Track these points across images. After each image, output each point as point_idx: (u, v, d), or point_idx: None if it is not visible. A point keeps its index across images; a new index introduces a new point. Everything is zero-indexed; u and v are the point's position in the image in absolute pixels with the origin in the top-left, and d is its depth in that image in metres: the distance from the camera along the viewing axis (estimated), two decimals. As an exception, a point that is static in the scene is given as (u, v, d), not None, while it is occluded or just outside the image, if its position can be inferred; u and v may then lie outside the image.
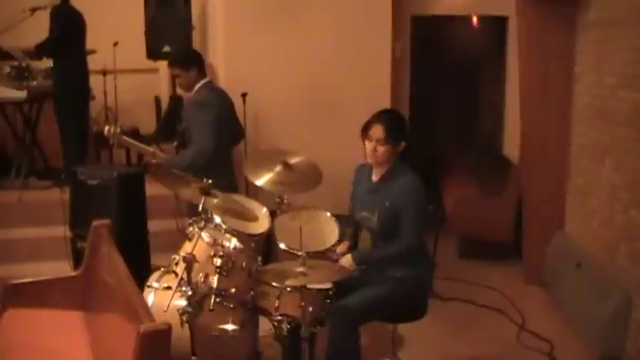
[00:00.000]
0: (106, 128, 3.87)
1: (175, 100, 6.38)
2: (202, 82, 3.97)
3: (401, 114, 3.41)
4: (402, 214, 3.05)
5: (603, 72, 4.17)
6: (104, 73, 6.56)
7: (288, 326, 3.05)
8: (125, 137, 3.94)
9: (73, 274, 3.61)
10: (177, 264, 3.16)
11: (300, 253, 2.77)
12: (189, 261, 2.61)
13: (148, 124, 6.52)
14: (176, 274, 3.13)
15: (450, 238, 5.48)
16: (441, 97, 6.75)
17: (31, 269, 4.30)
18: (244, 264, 3.03)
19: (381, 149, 3.09)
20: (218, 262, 2.89)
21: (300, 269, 2.72)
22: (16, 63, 5.79)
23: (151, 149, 4.06)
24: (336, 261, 3.15)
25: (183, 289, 2.66)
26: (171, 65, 4.11)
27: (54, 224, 4.97)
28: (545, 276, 4.83)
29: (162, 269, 3.36)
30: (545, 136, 4.80)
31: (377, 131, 3.10)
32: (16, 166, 5.51)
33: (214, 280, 2.89)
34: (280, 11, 5.10)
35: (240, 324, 3.12)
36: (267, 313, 3.06)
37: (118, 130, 3.85)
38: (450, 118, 7.00)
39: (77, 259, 4.39)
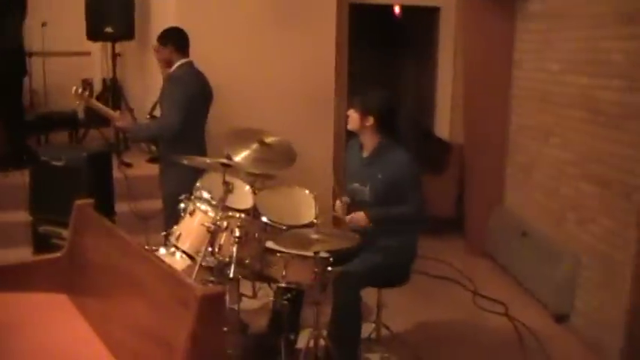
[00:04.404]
0: (74, 88, 3.84)
1: (109, 84, 6.23)
2: (182, 60, 3.96)
3: (379, 95, 3.47)
4: (404, 185, 3.25)
5: (546, 59, 4.57)
6: (30, 54, 6.31)
7: (290, 294, 3.18)
8: (93, 99, 3.97)
9: (56, 255, 3.51)
10: (177, 238, 3.19)
11: (314, 220, 2.91)
12: (215, 231, 2.66)
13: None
14: (177, 248, 3.17)
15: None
16: (377, 82, 6.96)
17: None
18: (256, 234, 3.10)
19: (352, 115, 3.38)
20: (237, 232, 2.95)
21: (316, 236, 2.86)
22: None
23: (116, 112, 4.08)
24: (347, 220, 3.30)
25: (207, 259, 2.70)
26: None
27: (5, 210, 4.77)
28: (487, 247, 5.23)
29: (153, 248, 3.37)
30: (486, 118, 5.17)
31: (353, 99, 3.45)
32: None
33: (234, 250, 2.95)
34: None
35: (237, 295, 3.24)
36: (274, 281, 3.16)
37: (87, 92, 3.86)
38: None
39: (38, 244, 4.26)
